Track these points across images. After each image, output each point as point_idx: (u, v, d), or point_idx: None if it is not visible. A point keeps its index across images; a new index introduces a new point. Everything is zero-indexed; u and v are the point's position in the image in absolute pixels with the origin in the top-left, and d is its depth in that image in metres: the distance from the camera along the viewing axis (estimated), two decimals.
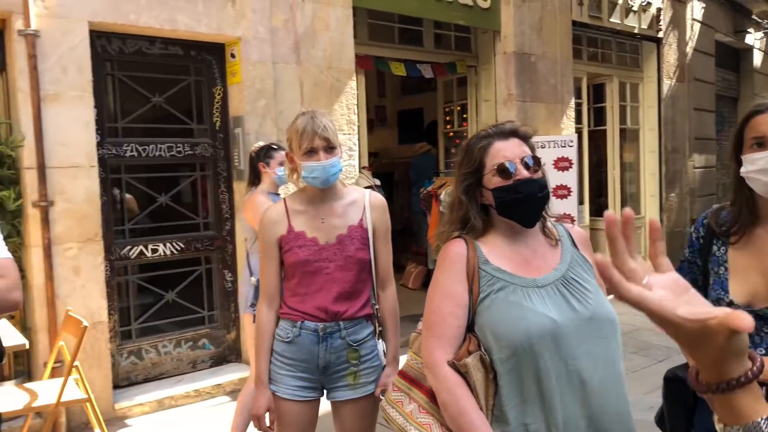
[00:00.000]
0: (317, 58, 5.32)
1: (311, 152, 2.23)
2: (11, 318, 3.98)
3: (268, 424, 2.33)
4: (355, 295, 2.32)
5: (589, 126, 8.10)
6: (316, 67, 5.31)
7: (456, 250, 1.72)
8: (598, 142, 8.36)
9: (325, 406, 2.45)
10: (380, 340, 2.39)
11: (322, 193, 2.32)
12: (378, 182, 6.24)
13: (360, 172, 5.75)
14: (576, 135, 6.83)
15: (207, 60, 5.04)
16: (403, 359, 1.95)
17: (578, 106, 7.74)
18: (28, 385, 3.67)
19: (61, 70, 4.16)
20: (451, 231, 1.78)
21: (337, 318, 2.28)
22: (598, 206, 8.26)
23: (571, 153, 6.17)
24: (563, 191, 6.09)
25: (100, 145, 4.45)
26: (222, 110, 5.10)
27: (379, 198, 2.44)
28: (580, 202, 7.20)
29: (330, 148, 2.25)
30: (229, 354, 5.16)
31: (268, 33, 5.04)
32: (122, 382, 4.65)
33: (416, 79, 7.82)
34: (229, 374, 4.90)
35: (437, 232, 1.87)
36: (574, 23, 7.41)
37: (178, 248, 4.93)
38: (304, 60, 5.24)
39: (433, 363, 1.64)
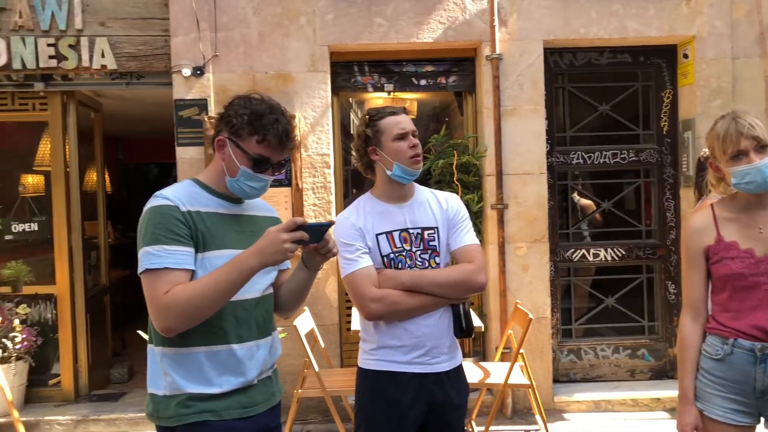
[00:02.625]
0: None
1: (738, 155, 2.00)
2: (471, 304, 4.63)
3: None
4: None
5: None
6: None
7: None
8: None
9: None
10: None
11: (758, 199, 2.06)
12: None
13: None
14: None
15: (656, 64, 4.92)
16: None
17: None
18: (483, 363, 4.22)
19: (518, 87, 4.64)
20: None
21: None
22: None
23: None
24: None
25: (549, 153, 4.81)
26: (670, 114, 4.92)
27: None
28: None
29: (762, 147, 1.99)
30: (669, 369, 4.91)
31: (727, 27, 4.64)
32: (561, 377, 4.91)
33: None
34: (669, 390, 4.66)
35: None
36: None
37: (620, 255, 4.94)
38: None
39: None
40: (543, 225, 4.65)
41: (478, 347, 4.89)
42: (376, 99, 5.17)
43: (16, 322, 4.54)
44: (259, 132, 1.77)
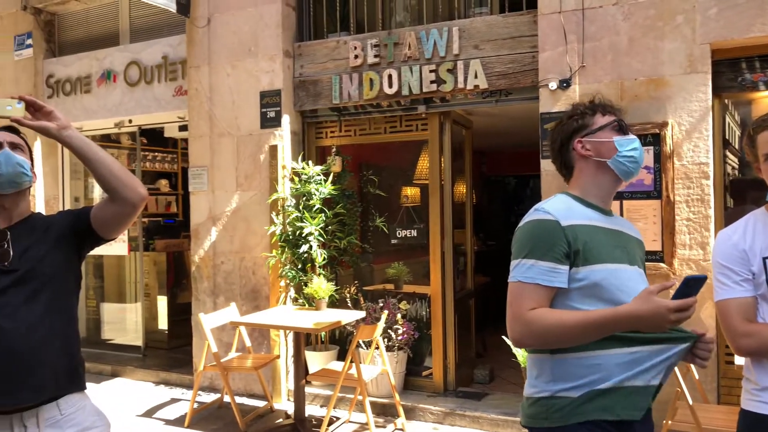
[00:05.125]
0: None
1: None
2: None
3: None
4: None
5: None
6: None
7: None
8: None
9: None
10: None
11: None
12: None
13: None
14: None
15: None
16: None
17: None
18: None
19: None
20: None
21: None
22: None
23: None
24: None
25: None
26: None
27: None
28: None
29: None
30: None
31: None
32: None
33: None
34: None
35: None
36: None
37: None
38: None
39: None
40: None
41: None
42: None
43: (399, 316, 5.20)
44: (597, 108, 1.90)
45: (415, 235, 5.73)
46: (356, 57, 5.45)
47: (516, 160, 9.60)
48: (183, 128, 6.60)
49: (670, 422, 3.51)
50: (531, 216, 1.80)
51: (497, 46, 4.99)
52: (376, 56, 5.37)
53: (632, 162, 1.84)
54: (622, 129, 1.86)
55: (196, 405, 5.07)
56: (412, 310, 5.45)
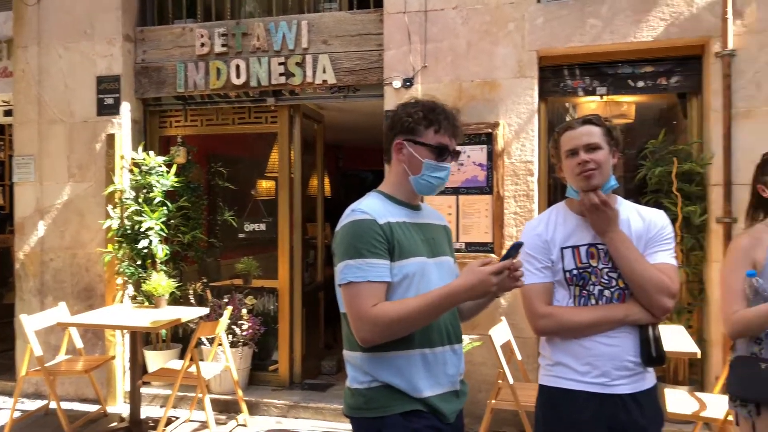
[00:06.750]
0: None
1: None
2: (689, 328, 4.17)
3: None
4: None
5: None
6: None
7: None
8: None
9: None
10: None
11: None
12: None
13: None
14: None
15: None
16: None
17: None
18: (699, 394, 3.78)
19: (755, 87, 4.09)
20: None
21: None
22: None
23: None
24: None
25: None
26: None
27: None
28: None
29: None
30: None
31: None
32: None
33: None
34: None
35: None
36: None
37: None
38: None
39: None
40: None
41: (695, 375, 4.39)
42: (589, 103, 4.91)
43: (244, 311, 5.11)
44: (435, 122, 1.87)
45: (264, 228, 5.67)
46: (203, 45, 5.28)
47: (372, 156, 9.72)
48: (8, 113, 6.04)
49: (493, 401, 3.76)
50: (349, 217, 1.84)
51: (345, 42, 5.05)
52: (223, 45, 5.24)
53: (430, 187, 1.92)
54: (440, 155, 1.89)
55: (18, 413, 4.67)
56: (259, 305, 5.38)
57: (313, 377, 5.54)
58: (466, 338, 3.65)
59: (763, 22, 4.09)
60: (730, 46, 4.10)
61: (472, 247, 4.57)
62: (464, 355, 2.00)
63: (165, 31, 5.44)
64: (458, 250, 4.48)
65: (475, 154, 4.57)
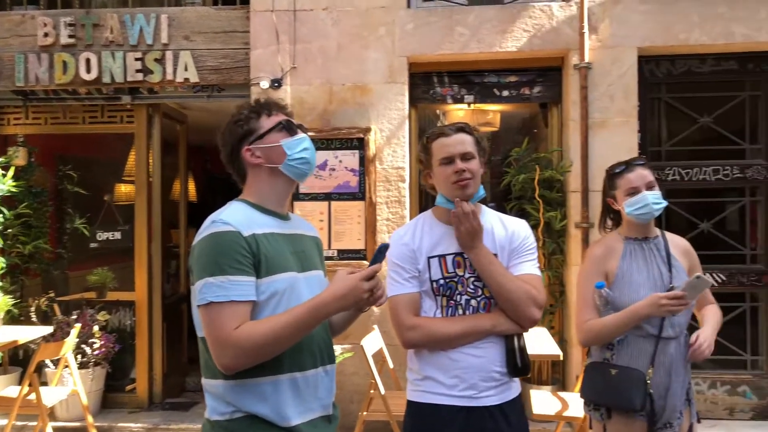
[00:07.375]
0: None
1: None
2: (551, 329, 4.34)
3: None
4: None
5: None
6: None
7: None
8: None
9: None
10: None
11: None
12: None
13: None
14: None
15: (766, 72, 4.47)
16: None
17: None
18: (561, 393, 3.93)
19: (608, 98, 4.33)
20: None
21: None
22: None
23: None
24: None
25: None
26: None
27: None
28: None
29: None
30: None
31: None
32: None
33: None
34: None
35: None
36: None
37: (720, 280, 4.49)
38: None
39: None
40: None
41: (557, 374, 4.58)
42: (457, 111, 4.99)
43: (96, 328, 4.66)
44: (263, 109, 1.78)
45: (120, 237, 5.22)
46: (46, 35, 4.77)
47: None
48: None
49: (365, 413, 3.67)
50: (209, 229, 1.63)
51: (209, 39, 4.76)
52: (71, 36, 4.76)
53: (304, 163, 1.78)
54: (289, 129, 1.77)
55: None
56: (114, 320, 4.94)
57: (176, 395, 5.18)
58: (337, 348, 3.54)
59: (615, 38, 4.34)
60: (587, 59, 4.32)
61: (345, 254, 4.46)
62: (336, 365, 1.87)
63: (2, 18, 4.87)
64: (330, 258, 4.37)
65: (347, 159, 4.48)
